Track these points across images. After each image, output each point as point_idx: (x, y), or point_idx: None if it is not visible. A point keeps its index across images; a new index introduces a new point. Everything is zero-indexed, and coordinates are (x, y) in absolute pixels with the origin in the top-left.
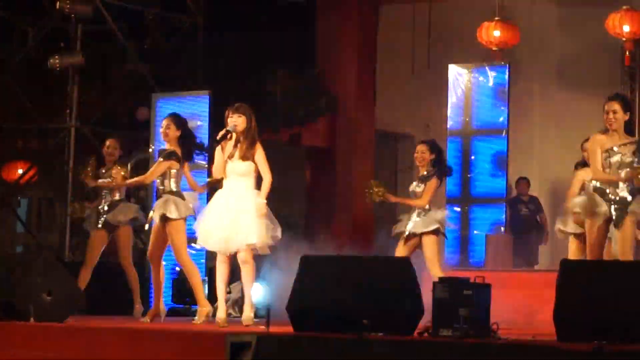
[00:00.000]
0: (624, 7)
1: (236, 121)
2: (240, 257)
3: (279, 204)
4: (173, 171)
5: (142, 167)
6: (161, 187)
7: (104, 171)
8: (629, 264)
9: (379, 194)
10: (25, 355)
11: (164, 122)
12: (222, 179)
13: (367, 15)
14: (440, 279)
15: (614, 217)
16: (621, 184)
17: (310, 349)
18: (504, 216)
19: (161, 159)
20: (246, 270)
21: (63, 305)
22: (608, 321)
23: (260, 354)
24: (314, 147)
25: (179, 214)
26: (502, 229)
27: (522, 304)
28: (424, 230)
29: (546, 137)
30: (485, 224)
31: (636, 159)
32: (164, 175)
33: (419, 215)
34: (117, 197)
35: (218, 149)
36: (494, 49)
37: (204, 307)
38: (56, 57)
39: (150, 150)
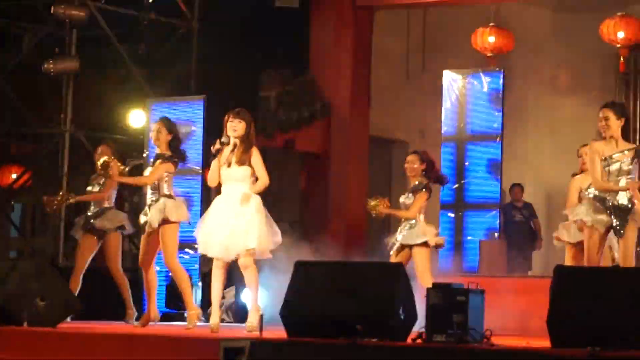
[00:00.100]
0: (619, 14)
1: (236, 126)
2: (241, 263)
3: (273, 209)
4: (168, 175)
5: (137, 173)
6: (155, 191)
7: (93, 178)
8: (622, 270)
9: (373, 210)
10: None
11: (155, 126)
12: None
13: (362, 20)
14: (434, 284)
15: (614, 225)
16: (621, 192)
17: (304, 354)
18: (497, 222)
19: (160, 161)
20: (248, 276)
21: (56, 310)
22: (602, 327)
23: None
24: (308, 153)
25: (178, 217)
26: (496, 235)
27: (516, 310)
28: (413, 243)
29: (540, 143)
30: (479, 229)
31: (634, 166)
32: (159, 179)
33: (411, 227)
34: (105, 204)
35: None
36: (489, 54)
37: (193, 311)
38: (51, 62)
39: (145, 155)
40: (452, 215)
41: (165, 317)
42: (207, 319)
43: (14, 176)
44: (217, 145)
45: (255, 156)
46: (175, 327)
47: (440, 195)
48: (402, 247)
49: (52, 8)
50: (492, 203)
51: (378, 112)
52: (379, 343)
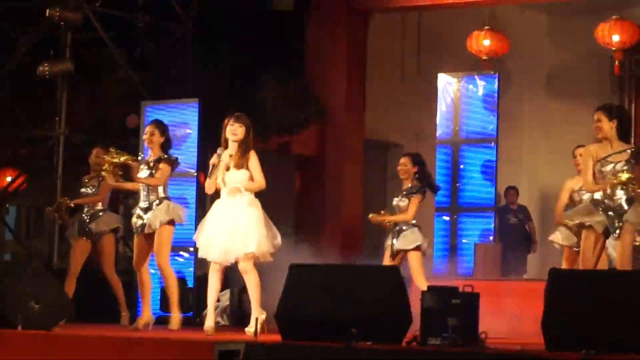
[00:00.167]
0: (614, 17)
1: (236, 130)
2: (241, 267)
3: (267, 212)
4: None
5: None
6: (153, 193)
7: (86, 180)
8: (617, 273)
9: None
10: None
11: (148, 129)
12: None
13: (357, 23)
14: (429, 287)
15: (610, 227)
16: (618, 193)
17: (299, 357)
18: (492, 225)
19: (165, 164)
20: (248, 280)
21: (51, 313)
22: (596, 331)
23: None
24: (304, 156)
25: (181, 219)
26: (491, 238)
27: (511, 313)
28: (409, 248)
29: (535, 146)
30: (474, 233)
31: (627, 168)
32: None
33: (405, 231)
34: (99, 206)
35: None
36: (484, 58)
37: (177, 314)
38: (46, 64)
39: (139, 157)
40: (447, 218)
41: (159, 320)
42: (202, 322)
43: (8, 179)
44: (215, 160)
45: (253, 160)
46: (170, 330)
47: (435, 198)
48: (397, 251)
49: (47, 11)
50: (487, 206)
51: (373, 115)
52: (374, 346)
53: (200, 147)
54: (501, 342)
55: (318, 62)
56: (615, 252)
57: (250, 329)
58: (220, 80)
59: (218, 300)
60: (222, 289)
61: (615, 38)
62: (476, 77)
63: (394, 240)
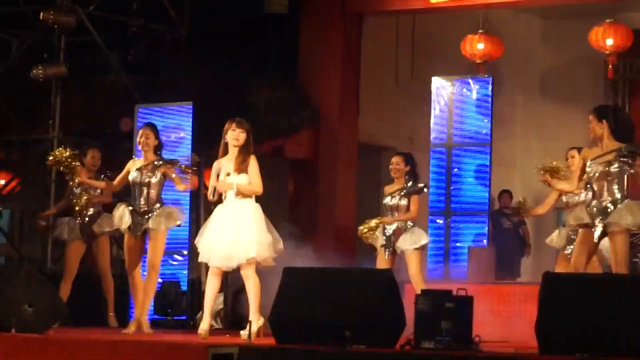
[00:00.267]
0: (608, 21)
1: (238, 135)
2: (243, 272)
3: None
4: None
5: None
6: (154, 197)
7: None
8: (610, 276)
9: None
10: None
11: (143, 132)
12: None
13: (351, 26)
14: (423, 291)
15: (596, 228)
16: (604, 195)
17: None
18: (486, 229)
19: (169, 166)
20: (249, 285)
21: (44, 316)
22: (590, 334)
23: None
24: (297, 159)
25: (181, 222)
26: (485, 241)
27: (505, 317)
28: (414, 247)
29: (529, 149)
30: (467, 236)
31: (606, 169)
32: (160, 184)
33: (404, 230)
34: (96, 208)
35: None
36: (478, 61)
37: (145, 316)
38: (39, 68)
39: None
40: (441, 221)
41: (153, 323)
42: (195, 324)
43: (2, 182)
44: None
45: (253, 164)
46: (163, 334)
47: (429, 202)
48: (398, 251)
49: (41, 14)
50: (480, 210)
51: (367, 118)
52: (368, 349)
53: (193, 150)
54: (495, 345)
55: (312, 66)
56: (609, 254)
57: (245, 333)
58: (213, 83)
59: None
60: None
61: (609, 42)
62: (470, 80)
63: (394, 240)
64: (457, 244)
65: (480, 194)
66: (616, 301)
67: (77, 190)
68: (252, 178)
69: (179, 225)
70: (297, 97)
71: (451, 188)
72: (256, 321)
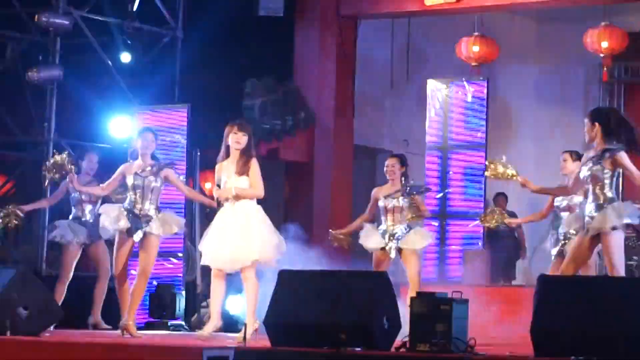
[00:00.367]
0: (603, 24)
1: (240, 139)
2: (243, 275)
3: None
4: None
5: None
6: (151, 202)
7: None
8: (605, 279)
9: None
10: None
11: (150, 136)
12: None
13: (346, 29)
14: (418, 293)
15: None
16: (589, 199)
17: None
18: (481, 231)
19: (172, 171)
20: (247, 287)
21: (39, 319)
22: (585, 337)
23: None
24: (292, 162)
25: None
26: (480, 244)
27: (500, 319)
28: (419, 247)
29: (524, 152)
30: (462, 239)
31: (589, 172)
32: (160, 189)
33: (408, 230)
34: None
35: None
36: (473, 64)
37: (133, 322)
38: (34, 70)
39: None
40: (436, 224)
41: (148, 326)
42: (190, 326)
43: None
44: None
45: (254, 167)
46: (158, 336)
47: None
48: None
49: (36, 16)
50: (475, 212)
51: (362, 121)
52: (363, 352)
53: (189, 152)
54: (490, 348)
55: (307, 68)
56: (601, 257)
57: (240, 335)
58: (208, 86)
59: (207, 306)
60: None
61: (604, 44)
62: (465, 83)
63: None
64: (452, 247)
65: (475, 196)
66: (611, 304)
67: (77, 195)
68: (254, 181)
69: (176, 233)
70: (292, 99)
71: (446, 190)
72: (252, 324)
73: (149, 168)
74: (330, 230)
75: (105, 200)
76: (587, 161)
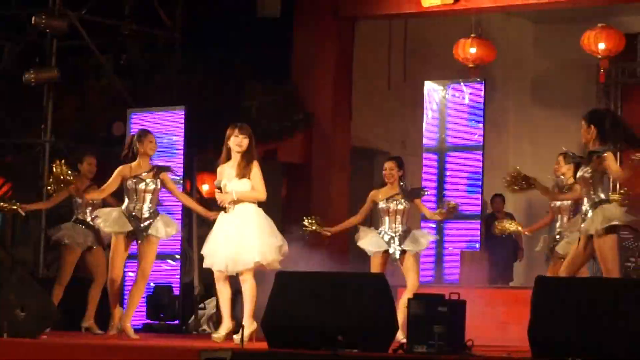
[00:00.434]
0: (600, 25)
1: (241, 142)
2: (241, 277)
3: None
4: None
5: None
6: (150, 204)
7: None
8: (602, 281)
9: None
10: None
11: (152, 138)
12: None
13: (344, 30)
14: (415, 295)
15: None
16: (585, 200)
17: None
18: (479, 233)
19: (169, 174)
20: (245, 289)
21: (36, 321)
22: (582, 338)
23: None
24: (290, 163)
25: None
26: (477, 245)
27: (497, 321)
28: (422, 249)
29: (521, 153)
30: (460, 240)
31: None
32: (159, 191)
33: (407, 232)
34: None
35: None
36: (470, 65)
37: (129, 324)
38: (31, 72)
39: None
40: (434, 225)
41: (146, 328)
42: (187, 329)
43: None
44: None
45: (256, 170)
46: (156, 338)
47: None
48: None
49: (33, 18)
50: (473, 214)
51: (360, 122)
52: (360, 354)
53: (186, 154)
54: (487, 349)
55: (304, 70)
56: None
57: (237, 337)
58: (206, 88)
59: (204, 308)
60: (209, 296)
61: (601, 46)
62: (462, 84)
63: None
64: (450, 248)
65: (473, 198)
66: (609, 305)
67: (79, 201)
68: (256, 184)
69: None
70: (290, 101)
71: (443, 192)
72: (249, 325)
73: (147, 171)
74: (305, 218)
75: (105, 203)
76: (582, 164)
